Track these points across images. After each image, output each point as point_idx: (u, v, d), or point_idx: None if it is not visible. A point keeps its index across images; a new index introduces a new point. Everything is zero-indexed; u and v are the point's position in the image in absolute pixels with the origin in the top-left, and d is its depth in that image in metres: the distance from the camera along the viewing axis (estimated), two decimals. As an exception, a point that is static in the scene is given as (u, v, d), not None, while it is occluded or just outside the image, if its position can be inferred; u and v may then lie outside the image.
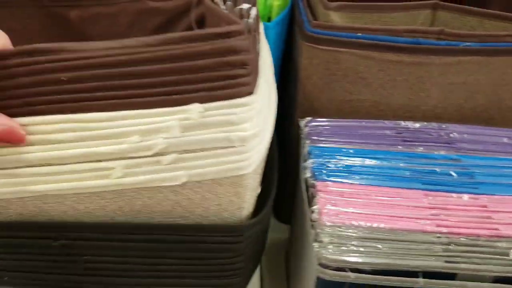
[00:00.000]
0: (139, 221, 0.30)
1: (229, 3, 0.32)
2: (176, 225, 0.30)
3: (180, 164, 0.27)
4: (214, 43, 0.25)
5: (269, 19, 0.44)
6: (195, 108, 0.26)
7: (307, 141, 0.39)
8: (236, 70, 0.26)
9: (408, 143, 0.39)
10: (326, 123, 0.41)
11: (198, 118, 0.26)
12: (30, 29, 0.40)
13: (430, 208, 0.33)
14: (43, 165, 0.27)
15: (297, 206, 0.42)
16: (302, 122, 0.41)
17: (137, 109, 0.26)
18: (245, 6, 0.32)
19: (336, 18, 0.40)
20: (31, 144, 0.27)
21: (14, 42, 0.27)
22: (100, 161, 0.27)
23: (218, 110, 0.26)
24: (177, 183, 0.28)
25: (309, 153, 0.38)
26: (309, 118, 0.41)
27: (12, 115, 0.26)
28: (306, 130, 0.40)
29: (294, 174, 0.41)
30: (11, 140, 0.26)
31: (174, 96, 0.26)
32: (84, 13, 0.39)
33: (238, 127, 0.26)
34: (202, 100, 0.26)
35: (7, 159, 0.27)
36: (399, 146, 0.39)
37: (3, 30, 0.27)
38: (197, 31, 0.26)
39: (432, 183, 0.35)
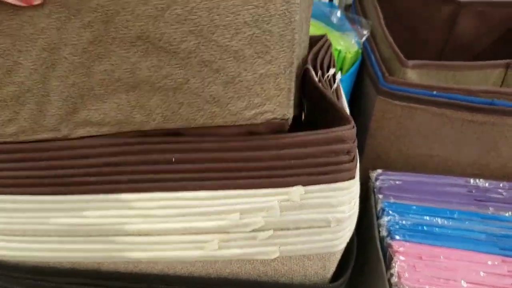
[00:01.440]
0: (227, 277, 0.30)
1: (320, 71, 0.32)
2: (265, 283, 0.30)
3: (274, 240, 0.27)
4: (323, 133, 0.25)
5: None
6: (297, 190, 0.26)
7: (380, 196, 0.39)
8: (340, 157, 0.26)
9: (481, 202, 0.39)
10: (397, 177, 0.41)
11: (298, 199, 0.26)
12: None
13: (510, 276, 0.33)
14: (141, 235, 0.28)
15: (361, 260, 0.41)
16: (373, 174, 0.42)
17: (240, 189, 0.26)
18: (332, 71, 0.33)
19: (413, 75, 0.40)
20: (133, 217, 0.27)
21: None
22: (197, 234, 0.27)
23: (319, 193, 0.26)
24: (269, 258, 0.28)
25: (383, 209, 0.38)
26: (379, 171, 0.42)
27: (116, 190, 0.27)
28: (377, 183, 0.40)
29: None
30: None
31: (277, 179, 0.26)
32: None
33: (337, 209, 0.26)
34: (304, 183, 0.26)
35: (106, 229, 0.28)
36: (471, 206, 0.39)
37: None
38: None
39: (509, 248, 0.35)
